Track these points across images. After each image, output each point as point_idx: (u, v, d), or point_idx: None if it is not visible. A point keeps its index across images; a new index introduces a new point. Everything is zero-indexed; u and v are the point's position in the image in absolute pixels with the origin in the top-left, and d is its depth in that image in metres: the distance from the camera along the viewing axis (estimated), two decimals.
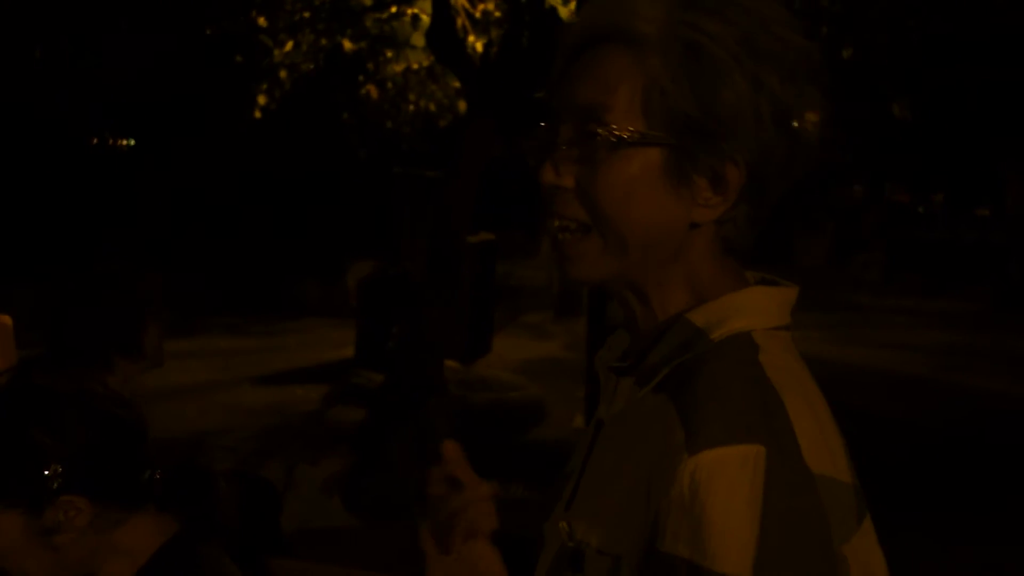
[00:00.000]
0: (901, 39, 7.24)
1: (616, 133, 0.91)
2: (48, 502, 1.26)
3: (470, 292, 8.53)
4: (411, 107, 8.70)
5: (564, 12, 5.88)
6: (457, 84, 7.84)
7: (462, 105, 7.96)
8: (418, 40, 6.80)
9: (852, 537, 0.87)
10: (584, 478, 1.02)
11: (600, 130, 0.92)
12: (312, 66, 8.05)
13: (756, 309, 0.96)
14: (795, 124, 0.92)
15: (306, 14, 7.25)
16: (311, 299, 12.71)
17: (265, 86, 7.86)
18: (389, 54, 7.51)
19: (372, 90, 8.53)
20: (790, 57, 0.92)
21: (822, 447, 0.88)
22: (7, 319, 2.02)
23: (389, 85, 8.50)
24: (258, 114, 8.00)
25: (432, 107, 8.60)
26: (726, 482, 0.83)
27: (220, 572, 1.39)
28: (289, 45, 7.59)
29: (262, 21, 7.20)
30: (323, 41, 7.58)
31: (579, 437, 1.12)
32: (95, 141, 20.93)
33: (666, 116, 0.91)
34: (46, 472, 1.25)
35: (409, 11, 6.83)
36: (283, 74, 7.86)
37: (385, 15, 7.02)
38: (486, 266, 9.68)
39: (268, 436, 6.78)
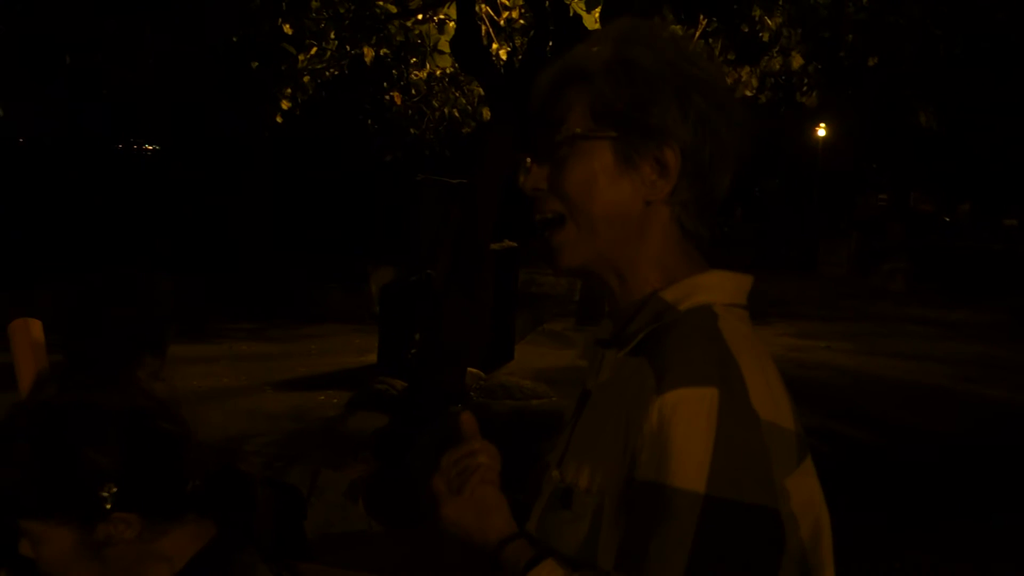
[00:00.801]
0: (927, 47, 7.19)
1: (572, 131, 1.17)
2: (101, 519, 1.27)
3: (492, 299, 8.52)
4: (435, 114, 8.72)
5: (589, 20, 5.87)
6: (481, 91, 7.85)
7: (486, 112, 7.97)
8: (444, 45, 6.81)
9: (792, 473, 1.05)
10: (574, 436, 1.21)
11: (559, 136, 1.17)
12: (336, 72, 8.08)
13: (716, 287, 1.17)
14: (717, 128, 1.16)
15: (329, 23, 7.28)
16: (333, 305, 12.74)
17: (288, 91, 7.89)
18: (413, 60, 7.52)
19: (396, 96, 8.56)
20: (709, 82, 1.16)
21: (768, 397, 1.06)
22: (37, 323, 2.02)
23: (413, 92, 8.52)
24: (279, 119, 8.03)
25: (456, 114, 8.62)
26: (686, 416, 1.02)
27: None
28: (313, 51, 7.62)
29: (287, 29, 7.23)
30: (348, 47, 7.61)
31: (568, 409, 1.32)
32: (120, 146, 21.13)
33: (610, 118, 1.15)
34: (102, 492, 1.26)
35: (436, 16, 6.85)
36: (306, 79, 7.89)
37: (410, 22, 7.04)
38: (508, 273, 9.67)
39: (291, 442, 6.78)
